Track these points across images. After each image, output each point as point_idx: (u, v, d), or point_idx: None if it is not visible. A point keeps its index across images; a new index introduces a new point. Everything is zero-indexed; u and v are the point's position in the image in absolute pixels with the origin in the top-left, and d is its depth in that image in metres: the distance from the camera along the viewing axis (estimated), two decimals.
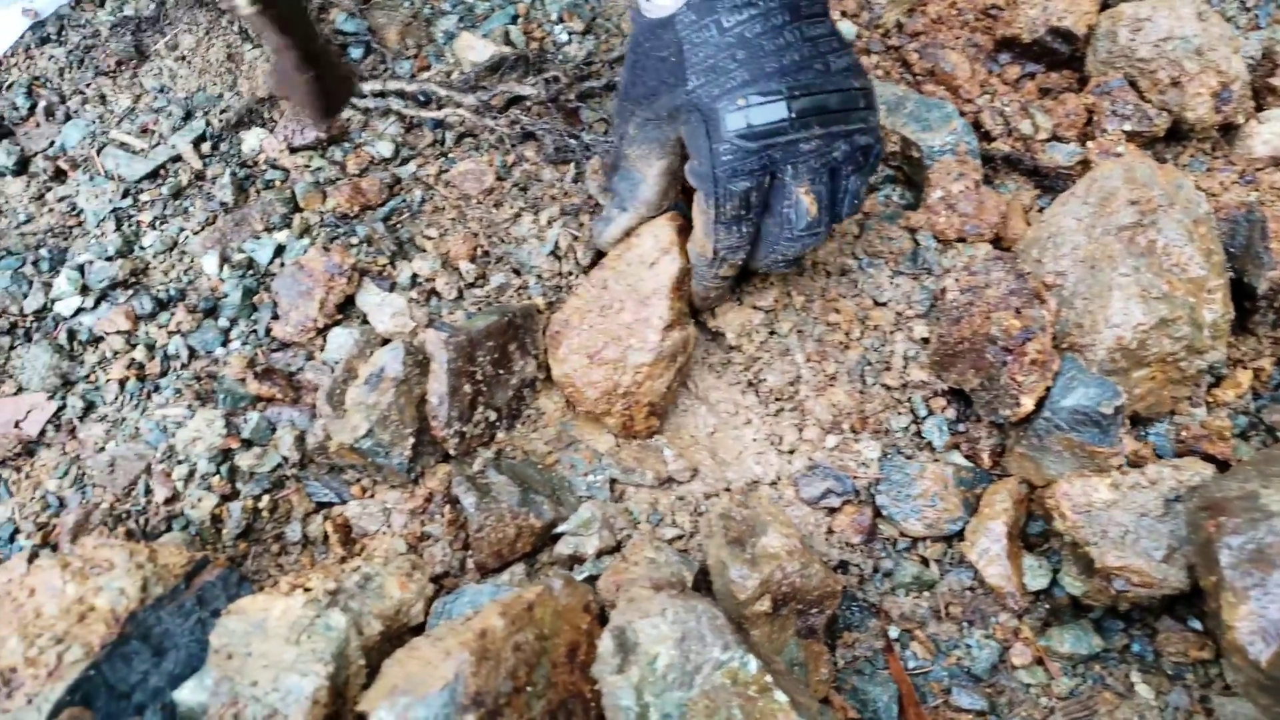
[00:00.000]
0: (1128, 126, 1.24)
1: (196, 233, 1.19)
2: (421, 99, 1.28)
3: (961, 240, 1.16)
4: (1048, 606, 0.97)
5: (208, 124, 1.27)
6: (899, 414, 1.06)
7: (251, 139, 1.26)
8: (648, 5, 0.94)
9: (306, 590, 0.82)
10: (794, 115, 0.89)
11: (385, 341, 1.06)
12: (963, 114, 1.26)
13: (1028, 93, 1.31)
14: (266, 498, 0.99)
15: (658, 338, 1.01)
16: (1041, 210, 1.22)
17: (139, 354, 1.08)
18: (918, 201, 1.21)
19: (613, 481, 1.04)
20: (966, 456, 1.05)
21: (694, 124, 0.93)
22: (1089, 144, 1.24)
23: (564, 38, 1.36)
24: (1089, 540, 0.91)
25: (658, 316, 1.01)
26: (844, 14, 1.37)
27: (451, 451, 0.99)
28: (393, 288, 1.11)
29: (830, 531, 1.00)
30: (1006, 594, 0.95)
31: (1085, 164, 1.23)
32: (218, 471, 0.99)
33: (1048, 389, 0.99)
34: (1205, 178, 1.26)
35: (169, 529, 0.96)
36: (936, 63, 1.33)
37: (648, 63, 0.95)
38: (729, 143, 0.90)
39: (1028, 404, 0.98)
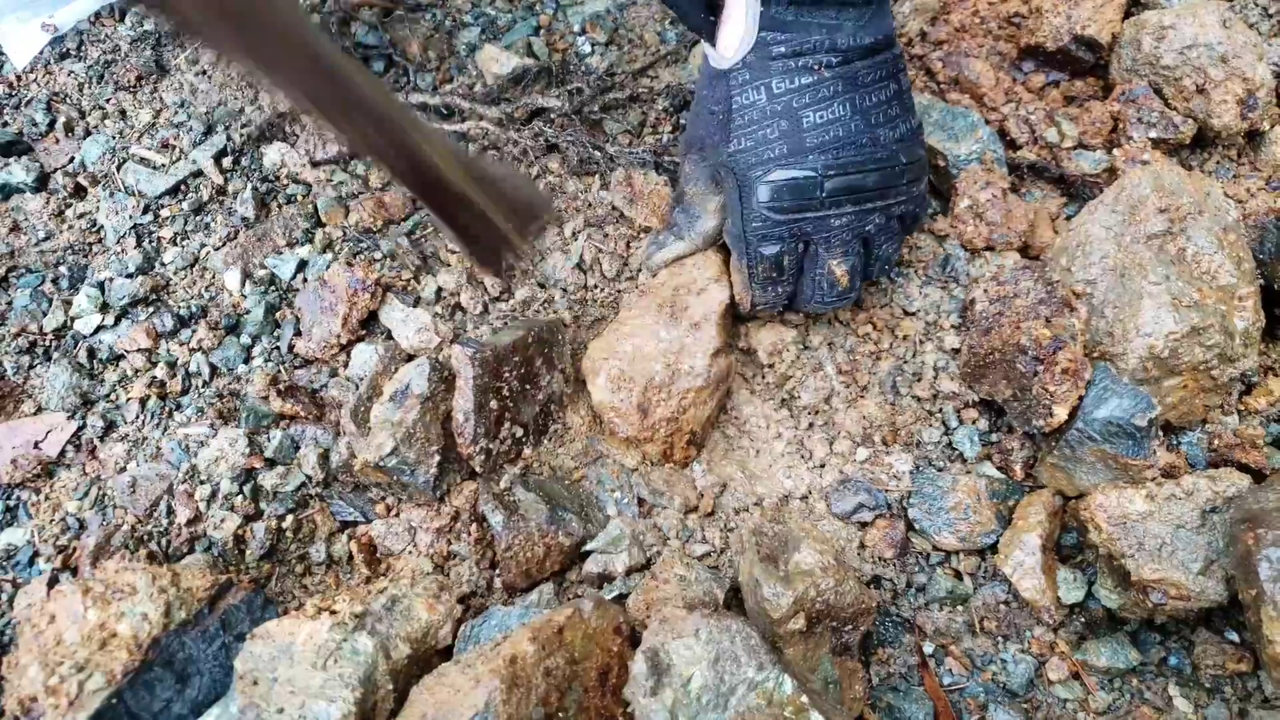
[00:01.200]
0: (1153, 134, 1.22)
1: (218, 248, 1.18)
2: (444, 112, 1.28)
3: (990, 249, 1.15)
4: (1083, 620, 0.96)
5: (229, 139, 1.26)
6: (930, 426, 1.05)
7: (273, 153, 1.26)
8: (714, 55, 0.95)
9: (332, 613, 0.81)
10: (825, 195, 0.91)
11: (410, 358, 1.05)
12: (988, 122, 1.24)
13: (1053, 100, 1.30)
14: (290, 517, 0.98)
15: (706, 363, 1.00)
16: (1069, 218, 1.20)
17: (160, 372, 1.08)
18: (945, 210, 1.20)
19: (641, 498, 1.02)
20: (999, 468, 1.03)
21: (730, 186, 0.95)
22: (1115, 151, 1.22)
23: (587, 49, 1.35)
24: (1125, 553, 0.89)
25: (707, 341, 1.01)
26: None
27: (478, 469, 0.98)
28: (417, 303, 1.10)
29: (863, 546, 0.99)
30: (1042, 608, 0.93)
31: (1112, 171, 1.21)
32: (241, 491, 0.98)
33: (1080, 399, 0.98)
34: (1232, 184, 1.24)
35: (192, 550, 0.95)
36: (961, 71, 1.32)
37: (702, 111, 0.98)
38: (759, 212, 0.93)
39: (1061, 414, 0.97)
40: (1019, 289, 1.06)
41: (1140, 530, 0.89)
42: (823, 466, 1.03)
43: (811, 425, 1.05)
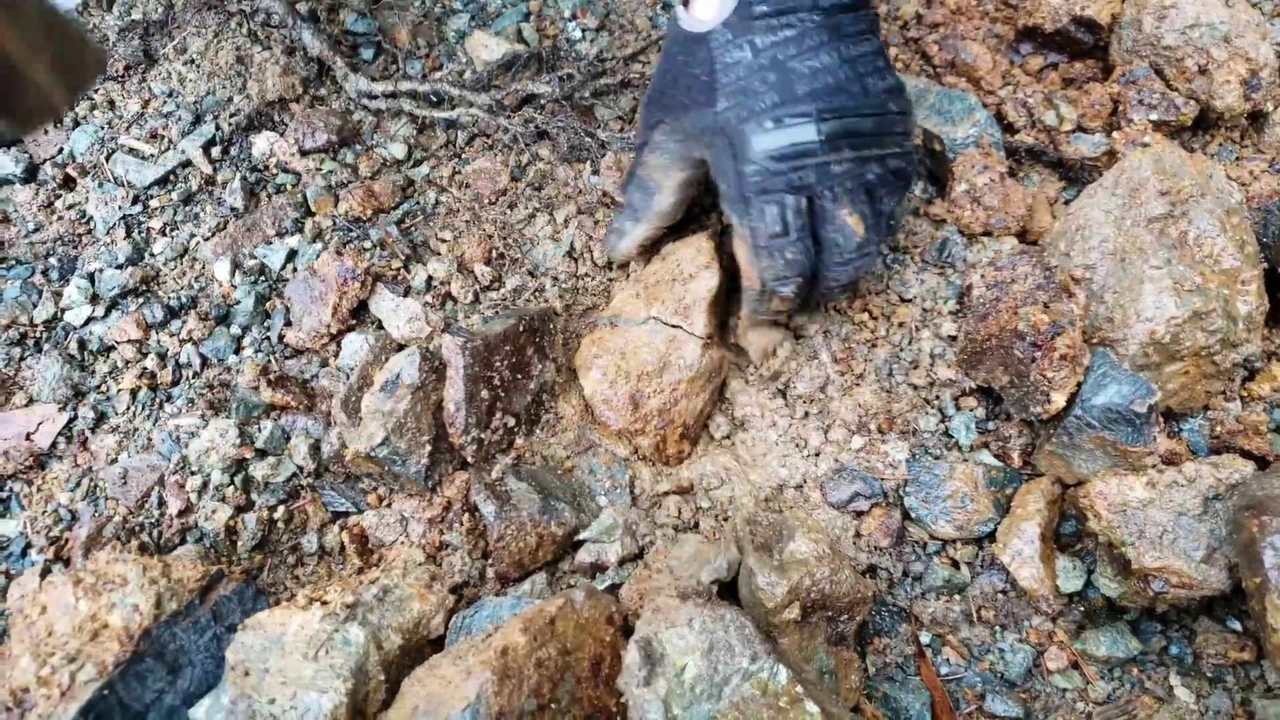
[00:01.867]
0: (1154, 116, 1.21)
1: (207, 239, 1.17)
2: (434, 99, 1.26)
3: (987, 234, 1.13)
4: (1082, 609, 0.95)
5: (217, 128, 1.25)
6: (927, 413, 1.04)
7: (262, 143, 1.24)
8: (685, 18, 0.92)
9: (324, 604, 0.80)
10: (823, 138, 0.87)
11: (400, 347, 1.04)
12: (985, 106, 1.23)
13: (1051, 83, 1.29)
14: (282, 508, 0.97)
15: (697, 354, 0.99)
16: (1067, 203, 1.19)
17: (150, 363, 1.07)
18: (941, 195, 1.19)
19: (633, 488, 1.01)
20: (996, 456, 1.02)
21: (720, 148, 0.91)
22: (1115, 134, 1.21)
23: (577, 34, 1.34)
24: (1125, 541, 0.88)
25: (697, 332, 1.00)
26: None
27: (469, 459, 0.97)
28: (407, 292, 1.09)
29: (858, 535, 0.98)
30: (1040, 597, 0.92)
31: (1111, 155, 1.20)
32: (232, 482, 0.98)
33: (1079, 385, 0.96)
34: (1234, 167, 1.23)
35: (183, 541, 0.94)
36: (957, 54, 1.30)
37: (679, 76, 0.93)
38: (755, 164, 0.88)
39: (1059, 400, 0.96)
40: (1016, 274, 1.04)
41: (1141, 518, 0.88)
42: (818, 455, 1.02)
43: (807, 414, 1.04)
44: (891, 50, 1.33)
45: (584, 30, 1.34)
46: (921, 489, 0.99)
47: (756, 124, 0.87)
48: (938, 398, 1.05)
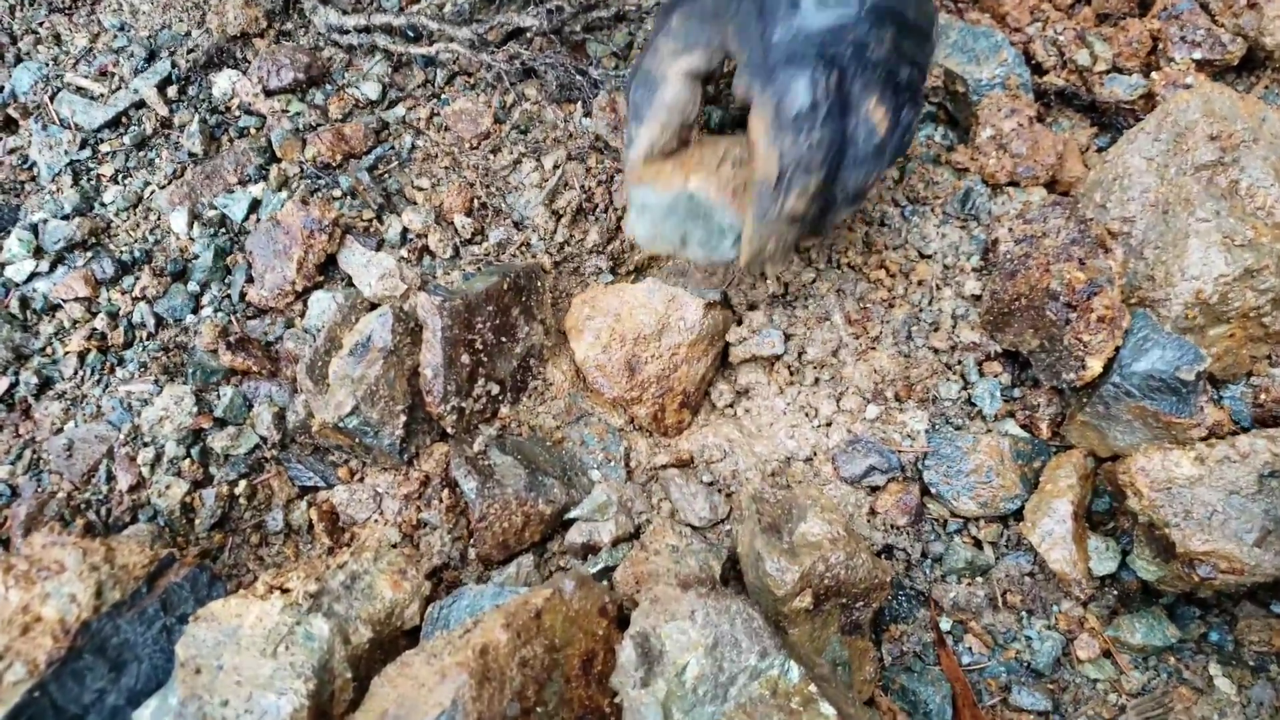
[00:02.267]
0: (1198, 55, 1.11)
1: (163, 187, 1.07)
2: (411, 34, 1.15)
3: (1013, 184, 1.04)
4: (1115, 593, 0.87)
5: (174, 65, 1.14)
6: (948, 380, 0.95)
7: (223, 81, 1.14)
8: None
9: (285, 592, 0.72)
10: (865, 12, 0.76)
11: (372, 306, 0.95)
12: (1012, 44, 1.13)
13: (1083, 19, 1.18)
14: (244, 483, 0.89)
15: (699, 315, 0.90)
16: (1100, 150, 1.09)
17: (100, 323, 0.98)
18: (964, 140, 1.09)
19: (629, 461, 0.93)
20: (1023, 426, 0.94)
21: (747, 13, 0.78)
22: (1154, 75, 1.11)
23: None
24: (1169, 521, 0.80)
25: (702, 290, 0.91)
26: None
27: (449, 430, 0.89)
28: (380, 245, 1.00)
29: (873, 512, 0.90)
30: (1072, 580, 0.84)
31: (1149, 98, 1.10)
32: (188, 454, 0.89)
33: (1117, 350, 0.88)
34: None
35: (134, 520, 0.86)
36: None
37: None
38: (788, 29, 0.75)
39: (1095, 366, 0.87)
40: (1048, 228, 0.96)
41: (1187, 496, 0.80)
42: (829, 425, 0.94)
43: (817, 380, 0.96)
44: None
45: None
46: (942, 462, 0.91)
47: None
48: (960, 362, 0.96)
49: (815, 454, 0.92)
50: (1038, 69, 1.15)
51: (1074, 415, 0.91)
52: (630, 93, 0.87)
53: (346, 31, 1.15)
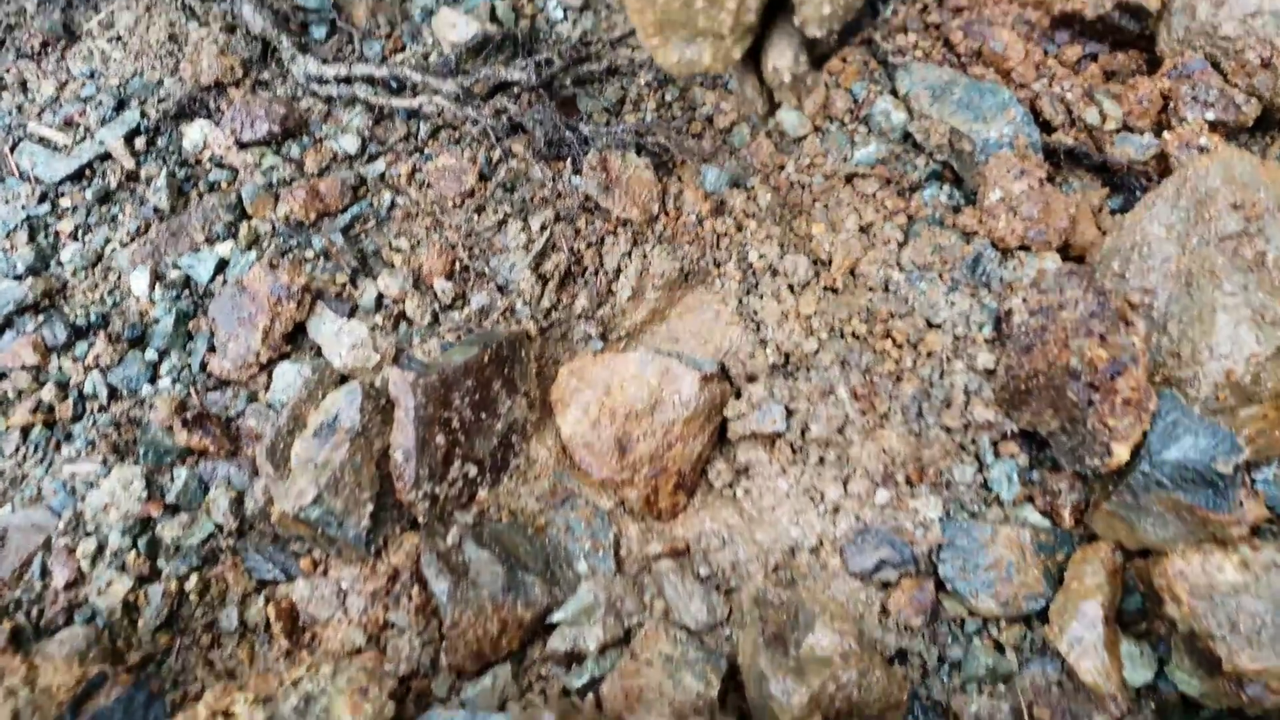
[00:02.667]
0: (1211, 115, 1.06)
1: (125, 244, 1.00)
2: (393, 85, 1.10)
3: (1024, 248, 0.98)
4: (1153, 706, 0.80)
5: (143, 115, 1.08)
6: (962, 461, 0.89)
7: (194, 132, 1.08)
8: None
9: (229, 717, 0.64)
10: None
11: (342, 379, 0.88)
12: (1019, 101, 1.08)
13: (1091, 76, 1.13)
14: (195, 577, 0.81)
15: (694, 389, 0.84)
16: (1113, 213, 1.04)
17: (48, 394, 0.90)
18: (969, 202, 1.04)
19: (618, 552, 0.86)
20: (1043, 513, 0.87)
21: None
22: (1166, 135, 1.06)
23: (558, 14, 1.18)
24: (1213, 634, 0.73)
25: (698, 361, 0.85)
26: None
27: (421, 518, 0.81)
28: (353, 312, 0.93)
29: (885, 611, 0.83)
30: (1105, 694, 0.77)
31: (1161, 158, 1.05)
32: (134, 546, 0.81)
33: (1144, 434, 0.82)
34: None
35: (69, 622, 0.78)
36: (984, 41, 1.15)
37: None
38: None
39: (1121, 453, 0.81)
40: (1065, 299, 0.90)
41: (1232, 606, 0.73)
42: (836, 511, 0.87)
43: (822, 460, 0.89)
44: (909, 36, 1.18)
45: (566, 9, 1.18)
46: (958, 555, 0.84)
47: None
48: (974, 442, 0.90)
49: (822, 544, 0.86)
50: (1045, 127, 1.10)
51: (1099, 504, 0.84)
52: None
53: (326, 82, 1.09)
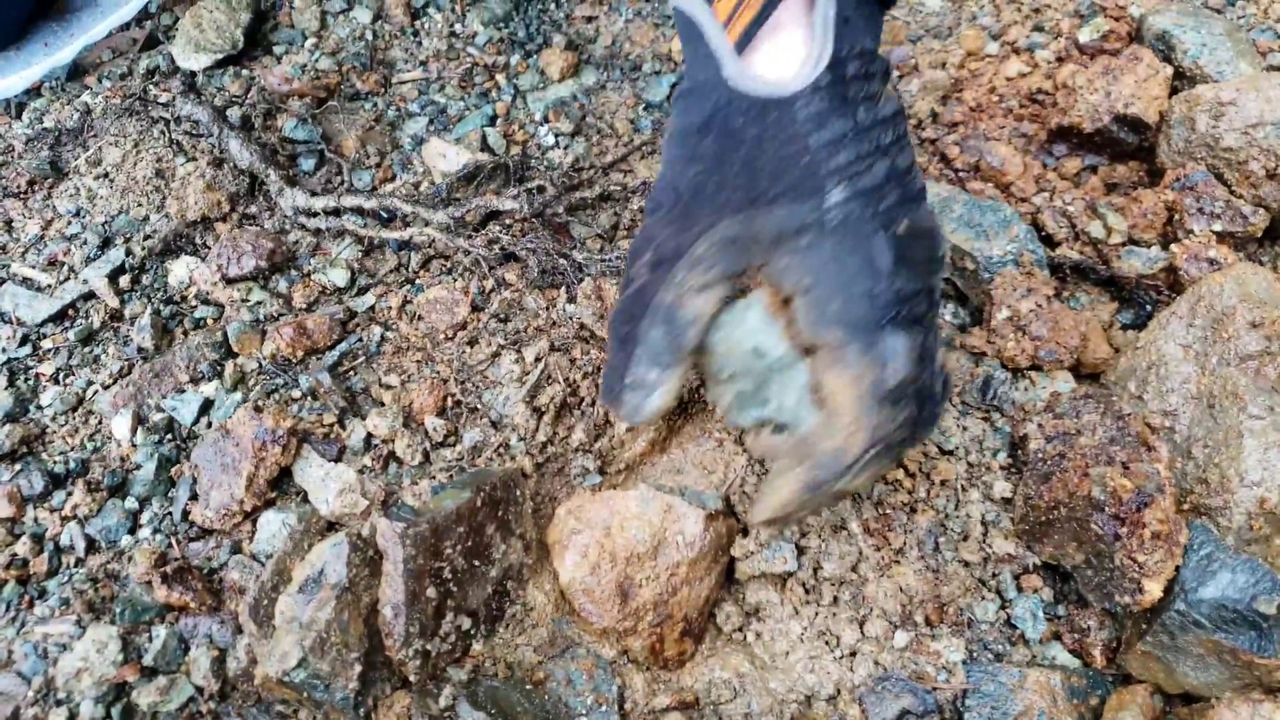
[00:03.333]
0: (1218, 226, 1.04)
1: (107, 387, 0.97)
2: (384, 216, 1.09)
3: (1035, 368, 0.95)
4: None
5: (128, 253, 1.07)
6: (983, 598, 0.84)
7: (180, 269, 1.06)
8: (747, 76, 0.68)
9: None
10: (943, 253, 0.71)
11: (330, 526, 0.84)
12: (1020, 216, 1.06)
13: (1092, 189, 1.12)
14: None
15: (699, 528, 0.80)
16: (1124, 328, 1.01)
17: (23, 548, 0.86)
18: (975, 321, 1.01)
19: (623, 700, 0.81)
20: (1072, 652, 0.82)
21: (832, 250, 0.66)
22: (1173, 247, 1.04)
23: (550, 141, 1.17)
24: None
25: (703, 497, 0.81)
26: None
27: (412, 676, 0.76)
28: (341, 454, 0.89)
29: None
30: None
31: (1170, 271, 1.03)
32: (107, 715, 0.76)
33: (1177, 569, 0.77)
34: None
35: None
36: (982, 157, 1.14)
37: (750, 157, 0.68)
38: (889, 277, 0.66)
39: (1154, 590, 0.76)
40: (1082, 424, 0.86)
41: None
42: (853, 655, 0.82)
43: (836, 600, 0.84)
44: None
45: (557, 136, 1.18)
46: (985, 702, 0.79)
47: (888, 221, 0.67)
48: (995, 576, 0.85)
49: (839, 692, 0.80)
50: (1049, 241, 1.08)
51: (1133, 643, 0.79)
52: (639, 330, 0.74)
53: (314, 214, 1.08)
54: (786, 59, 0.68)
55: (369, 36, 1.28)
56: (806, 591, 0.85)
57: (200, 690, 0.79)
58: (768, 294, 0.71)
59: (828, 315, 0.67)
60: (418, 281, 1.04)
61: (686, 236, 0.71)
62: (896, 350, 0.66)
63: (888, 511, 0.87)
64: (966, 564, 0.85)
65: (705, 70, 0.69)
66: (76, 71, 1.29)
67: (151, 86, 1.22)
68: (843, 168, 0.66)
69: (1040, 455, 0.86)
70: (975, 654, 0.82)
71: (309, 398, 0.93)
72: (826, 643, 0.83)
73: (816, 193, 0.66)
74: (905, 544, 0.86)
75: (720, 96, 0.68)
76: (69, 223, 1.11)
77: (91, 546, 0.87)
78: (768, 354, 0.72)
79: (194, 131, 1.15)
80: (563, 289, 1.01)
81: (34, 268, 1.07)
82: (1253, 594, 0.73)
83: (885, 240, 0.66)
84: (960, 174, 1.16)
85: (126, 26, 1.33)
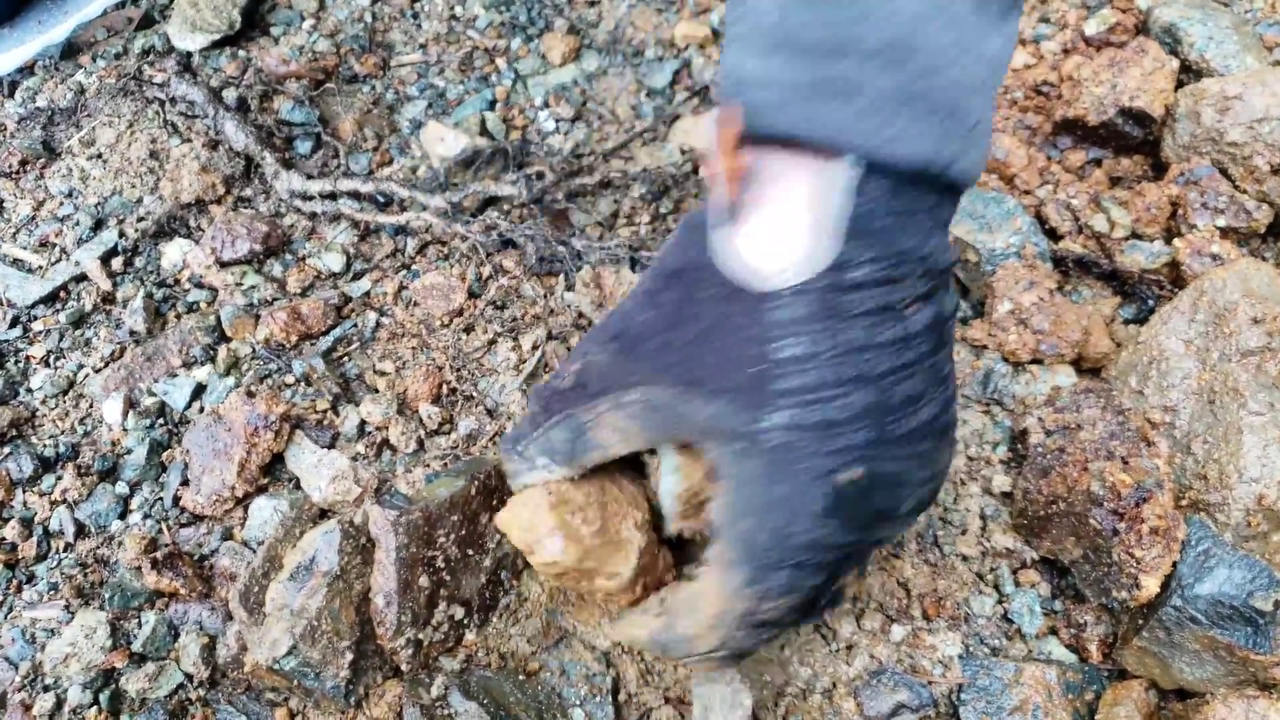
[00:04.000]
0: (1221, 221, 1.03)
1: (98, 370, 0.97)
2: (380, 200, 1.08)
3: (1037, 361, 0.95)
4: None
5: (121, 235, 1.06)
6: (980, 592, 0.83)
7: (173, 252, 1.05)
8: (731, 255, 0.58)
9: None
10: (907, 510, 0.61)
11: (322, 514, 0.83)
12: (1024, 209, 1.05)
13: (1096, 182, 1.11)
14: None
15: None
16: (1126, 323, 1.01)
17: (11, 532, 0.86)
18: (977, 314, 1.00)
19: (616, 691, 0.80)
20: (1069, 647, 0.82)
21: (763, 469, 0.57)
22: (1176, 242, 1.03)
23: (550, 126, 1.16)
24: None
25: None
26: None
27: (404, 666, 0.76)
28: (334, 441, 0.89)
29: None
30: None
31: (1174, 266, 1.02)
32: (95, 701, 0.75)
33: (1174, 565, 0.77)
34: None
35: None
36: None
37: (705, 334, 0.59)
38: (810, 528, 0.57)
39: (1151, 586, 0.76)
40: (1082, 418, 0.86)
41: None
42: (849, 649, 0.81)
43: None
44: None
45: (558, 121, 1.17)
46: (981, 696, 0.78)
47: (832, 467, 0.56)
48: (993, 571, 0.85)
49: (835, 685, 0.80)
50: (1052, 234, 1.07)
51: (1129, 638, 0.79)
52: (548, 423, 0.68)
53: (310, 198, 1.07)
54: (780, 244, 0.56)
55: (368, 18, 1.27)
56: None
57: (189, 677, 0.78)
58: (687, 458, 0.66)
59: (734, 531, 0.60)
60: (414, 267, 1.03)
61: (619, 380, 0.64)
62: (783, 595, 0.60)
63: None
64: (965, 558, 0.85)
65: (705, 215, 0.61)
66: (70, 50, 1.28)
67: (146, 66, 1.21)
68: (796, 391, 0.55)
69: (1040, 449, 0.86)
70: (971, 648, 0.81)
71: (302, 383, 0.92)
72: (823, 636, 0.82)
73: (757, 408, 0.56)
74: (904, 537, 0.85)
75: (699, 254, 0.60)
76: (61, 203, 1.10)
77: (81, 531, 0.86)
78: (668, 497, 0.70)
79: (189, 113, 1.14)
80: (561, 277, 1.00)
81: (25, 248, 1.06)
82: (1249, 590, 0.72)
83: (820, 486, 0.56)
84: None
85: (122, 5, 1.32)
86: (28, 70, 1.26)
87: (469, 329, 0.97)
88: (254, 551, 0.81)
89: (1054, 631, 0.83)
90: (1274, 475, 0.78)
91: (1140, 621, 0.78)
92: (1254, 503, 0.79)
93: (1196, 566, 0.76)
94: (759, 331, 0.56)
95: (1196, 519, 0.79)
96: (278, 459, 0.87)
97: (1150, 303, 1.00)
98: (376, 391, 0.93)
